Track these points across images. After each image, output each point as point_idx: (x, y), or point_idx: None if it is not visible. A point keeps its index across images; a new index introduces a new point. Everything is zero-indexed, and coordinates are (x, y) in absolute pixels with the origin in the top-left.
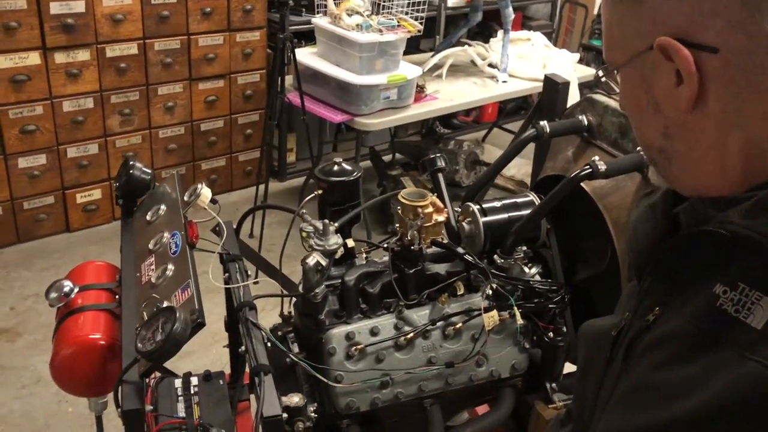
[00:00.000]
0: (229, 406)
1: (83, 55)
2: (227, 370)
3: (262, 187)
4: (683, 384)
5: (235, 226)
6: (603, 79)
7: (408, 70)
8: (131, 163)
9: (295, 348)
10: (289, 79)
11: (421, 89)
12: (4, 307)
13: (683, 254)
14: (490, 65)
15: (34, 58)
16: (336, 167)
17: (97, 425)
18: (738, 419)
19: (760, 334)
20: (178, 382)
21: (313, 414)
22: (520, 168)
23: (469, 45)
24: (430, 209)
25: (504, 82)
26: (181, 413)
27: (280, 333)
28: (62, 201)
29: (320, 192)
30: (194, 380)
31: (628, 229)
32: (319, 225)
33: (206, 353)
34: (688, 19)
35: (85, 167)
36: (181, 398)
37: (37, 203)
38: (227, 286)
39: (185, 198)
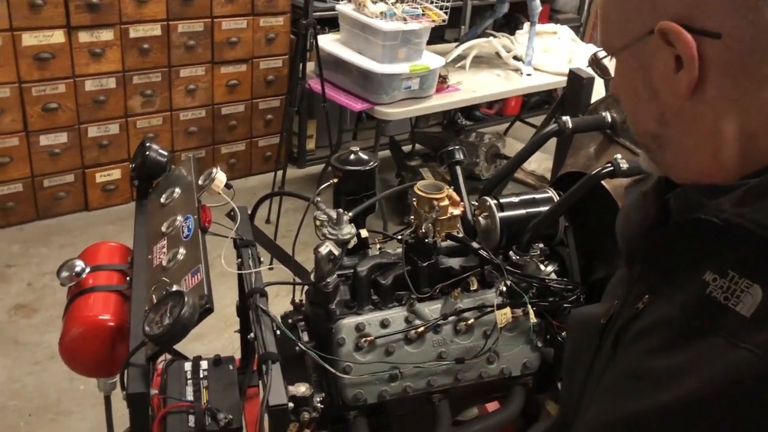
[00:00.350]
0: (237, 391)
1: (107, 35)
2: (238, 355)
3: (280, 173)
4: (673, 371)
5: (250, 212)
6: (603, 60)
7: (431, 60)
8: (147, 144)
9: (305, 337)
10: (310, 66)
11: (443, 80)
12: (21, 283)
13: (674, 242)
14: (515, 58)
15: (58, 37)
16: (352, 156)
17: (105, 405)
18: (727, 406)
19: (749, 322)
20: (187, 365)
21: (319, 404)
22: (541, 163)
23: (495, 36)
24: (446, 202)
25: (528, 75)
26: (190, 397)
27: (290, 321)
28: (82, 180)
29: (336, 180)
30: (204, 364)
31: (619, 216)
32: (333, 214)
33: (218, 337)
34: (690, 4)
35: (105, 147)
36: (190, 381)
37: (57, 181)
38: (239, 271)
39: (200, 182)
